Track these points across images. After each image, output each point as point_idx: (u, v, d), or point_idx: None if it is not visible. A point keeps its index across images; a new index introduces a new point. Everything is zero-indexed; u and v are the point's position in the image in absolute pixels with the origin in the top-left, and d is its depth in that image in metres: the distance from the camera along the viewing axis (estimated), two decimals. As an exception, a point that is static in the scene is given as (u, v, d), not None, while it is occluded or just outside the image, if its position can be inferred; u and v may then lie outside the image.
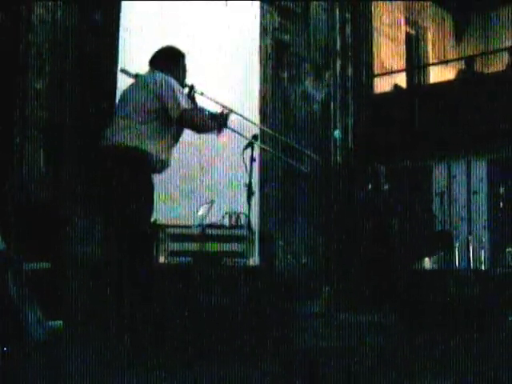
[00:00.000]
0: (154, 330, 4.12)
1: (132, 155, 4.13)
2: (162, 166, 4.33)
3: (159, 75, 4.31)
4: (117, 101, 4.62)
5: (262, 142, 6.16)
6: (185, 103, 4.24)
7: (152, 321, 4.15)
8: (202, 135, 4.86)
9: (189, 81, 4.58)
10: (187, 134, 4.62)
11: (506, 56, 9.34)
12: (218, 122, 4.50)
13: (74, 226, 5.69)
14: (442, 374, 3.71)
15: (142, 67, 4.55)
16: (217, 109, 4.57)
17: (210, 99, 4.61)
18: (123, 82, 4.79)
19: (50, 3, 5.98)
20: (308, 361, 3.91)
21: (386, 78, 9.94)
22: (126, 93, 4.40)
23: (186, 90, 4.54)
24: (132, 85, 4.43)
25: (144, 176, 4.21)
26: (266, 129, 6.50)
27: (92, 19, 6.26)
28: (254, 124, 5.29)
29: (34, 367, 3.49)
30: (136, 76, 4.53)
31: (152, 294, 4.21)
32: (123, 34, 6.47)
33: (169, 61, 4.48)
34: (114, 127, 4.25)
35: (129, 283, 3.99)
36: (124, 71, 4.69)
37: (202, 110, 4.55)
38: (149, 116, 4.20)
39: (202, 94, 4.59)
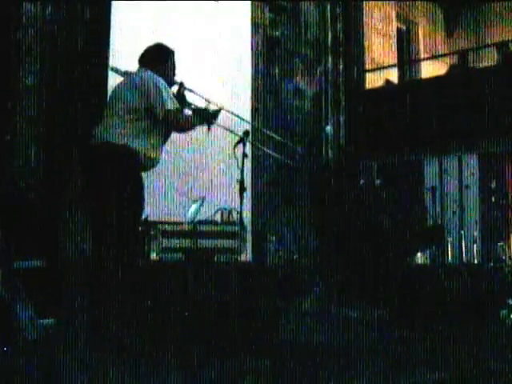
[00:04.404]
0: (145, 327, 4.12)
1: (121, 153, 4.13)
2: (152, 163, 4.33)
3: (147, 74, 4.31)
4: (107, 99, 4.62)
5: (254, 137, 6.17)
6: (170, 103, 4.25)
7: (142, 319, 4.16)
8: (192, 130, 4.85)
9: (179, 78, 4.58)
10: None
11: (495, 51, 9.35)
12: (207, 118, 4.51)
13: (67, 222, 5.69)
14: (434, 367, 3.73)
15: (134, 65, 4.55)
16: (206, 105, 4.57)
17: (200, 96, 4.61)
18: (114, 80, 4.79)
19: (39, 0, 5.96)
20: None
21: (377, 73, 9.94)
22: (115, 91, 4.40)
23: (176, 88, 4.54)
24: (121, 83, 4.44)
25: (133, 174, 4.21)
26: (254, 123, 6.50)
27: (82, 16, 6.24)
28: (244, 120, 5.29)
29: (25, 366, 3.49)
30: (126, 74, 4.53)
31: (136, 292, 4.21)
32: (115, 33, 6.45)
33: (158, 58, 4.48)
34: (103, 125, 4.25)
35: (114, 281, 3.99)
36: (114, 69, 4.70)
37: (189, 104, 4.55)
38: (138, 114, 4.20)
39: (191, 91, 4.59)
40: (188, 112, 4.58)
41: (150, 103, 4.22)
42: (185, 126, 4.52)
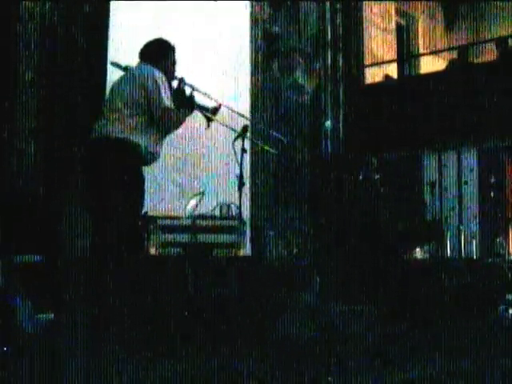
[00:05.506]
0: (145, 321, 4.13)
1: (122, 147, 4.13)
2: (152, 157, 4.33)
3: (147, 69, 4.31)
4: (107, 93, 4.62)
5: (253, 133, 6.17)
6: (167, 102, 4.24)
7: (141, 313, 4.16)
8: (192, 127, 4.86)
9: (179, 73, 4.58)
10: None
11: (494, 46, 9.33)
12: (205, 112, 4.51)
13: (66, 218, 5.69)
14: (431, 363, 3.74)
15: (134, 61, 4.55)
16: (208, 102, 4.57)
17: (200, 91, 4.61)
18: (114, 75, 4.78)
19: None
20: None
21: (376, 68, 9.93)
22: (115, 86, 4.40)
23: (176, 83, 4.54)
24: (121, 78, 4.44)
25: (134, 168, 4.21)
26: (253, 119, 6.50)
27: (81, 10, 6.24)
28: (243, 117, 5.29)
29: (25, 360, 3.50)
30: (126, 69, 4.53)
31: (136, 287, 4.22)
32: (115, 28, 6.44)
33: (158, 53, 4.48)
34: (103, 120, 4.25)
35: (115, 275, 3.99)
36: (114, 64, 4.70)
37: (189, 99, 4.54)
38: (138, 108, 4.20)
39: (191, 86, 4.59)
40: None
41: (148, 98, 4.22)
42: (176, 127, 4.46)
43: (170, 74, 4.47)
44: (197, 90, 4.59)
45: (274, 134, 6.29)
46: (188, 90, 4.56)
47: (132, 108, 4.20)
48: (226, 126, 4.89)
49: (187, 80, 4.59)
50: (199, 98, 4.60)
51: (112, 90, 4.42)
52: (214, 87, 4.97)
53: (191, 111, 4.50)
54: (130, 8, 6.49)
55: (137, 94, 4.22)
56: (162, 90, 4.23)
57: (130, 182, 4.17)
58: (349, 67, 9.19)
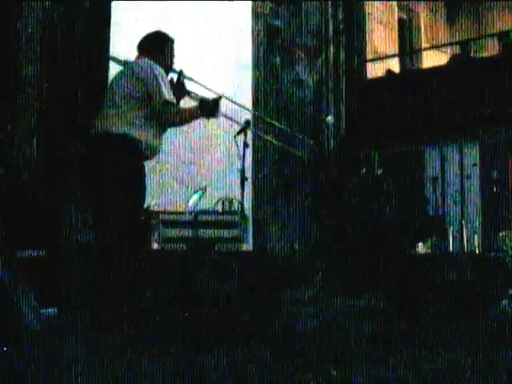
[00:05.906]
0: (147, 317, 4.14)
1: (122, 142, 4.13)
2: (153, 152, 4.33)
3: (145, 62, 4.30)
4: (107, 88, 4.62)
5: (255, 127, 6.17)
6: (167, 95, 4.23)
7: (144, 308, 4.17)
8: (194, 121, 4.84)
9: (178, 66, 4.57)
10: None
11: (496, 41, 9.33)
12: (211, 109, 4.49)
13: (68, 212, 5.69)
14: (432, 357, 3.74)
15: (134, 55, 4.54)
16: (201, 96, 4.56)
17: (200, 84, 4.60)
18: (114, 71, 4.78)
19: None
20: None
21: (378, 63, 9.92)
22: (114, 81, 4.40)
23: (175, 76, 4.53)
24: (120, 72, 4.43)
25: (134, 163, 4.21)
26: (256, 112, 6.50)
27: (82, 5, 6.23)
28: (246, 109, 5.29)
29: (29, 356, 3.50)
30: (125, 63, 4.52)
31: (137, 282, 4.22)
32: (116, 27, 6.43)
33: (156, 46, 4.47)
34: (103, 115, 4.25)
35: (119, 270, 3.99)
36: (113, 59, 4.69)
37: (189, 93, 4.54)
38: (137, 103, 4.20)
39: (191, 79, 4.58)
40: (188, 103, 4.57)
41: (148, 92, 4.21)
42: (176, 120, 4.46)
43: (168, 66, 4.46)
44: (196, 83, 4.58)
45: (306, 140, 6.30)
46: (187, 84, 4.55)
47: (131, 102, 4.20)
48: (227, 116, 4.88)
49: (187, 73, 4.58)
50: (198, 90, 4.60)
51: (111, 85, 4.42)
52: (216, 82, 4.96)
53: (202, 113, 4.48)
54: (131, 8, 6.48)
55: (136, 88, 4.21)
56: (162, 83, 4.22)
57: (131, 177, 4.17)
58: (351, 62, 9.17)
